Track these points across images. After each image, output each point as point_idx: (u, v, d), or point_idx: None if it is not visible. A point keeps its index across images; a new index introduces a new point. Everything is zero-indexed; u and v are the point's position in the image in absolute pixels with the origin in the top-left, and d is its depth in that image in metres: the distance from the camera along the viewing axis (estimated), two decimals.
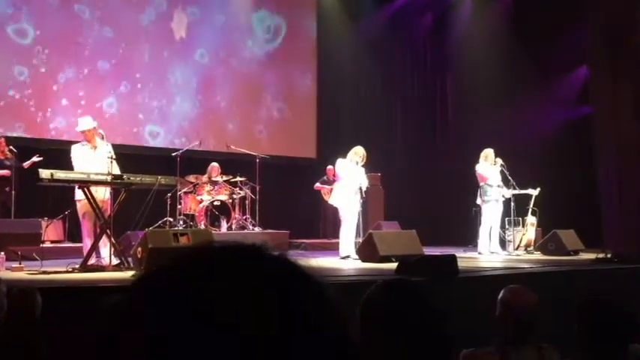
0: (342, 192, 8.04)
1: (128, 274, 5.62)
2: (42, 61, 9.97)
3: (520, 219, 9.62)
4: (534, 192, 9.42)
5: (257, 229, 9.90)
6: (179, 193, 9.38)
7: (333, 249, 8.53)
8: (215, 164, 10.12)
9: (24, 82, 9.83)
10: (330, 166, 10.33)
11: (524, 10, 11.61)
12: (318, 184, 10.86)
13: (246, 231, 9.85)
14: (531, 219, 9.61)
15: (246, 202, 10.15)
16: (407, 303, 1.58)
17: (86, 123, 6.77)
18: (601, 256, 7.48)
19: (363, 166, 8.07)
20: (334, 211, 8.56)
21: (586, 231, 9.32)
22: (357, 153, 8.07)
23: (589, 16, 11.04)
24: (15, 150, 8.75)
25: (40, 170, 5.91)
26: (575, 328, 2.44)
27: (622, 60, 10.47)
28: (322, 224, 11.01)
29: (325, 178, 10.89)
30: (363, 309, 1.59)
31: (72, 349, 2.87)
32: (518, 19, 11.60)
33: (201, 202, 9.67)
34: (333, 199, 8.21)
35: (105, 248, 6.35)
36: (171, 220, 9.17)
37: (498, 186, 9.13)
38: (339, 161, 8.15)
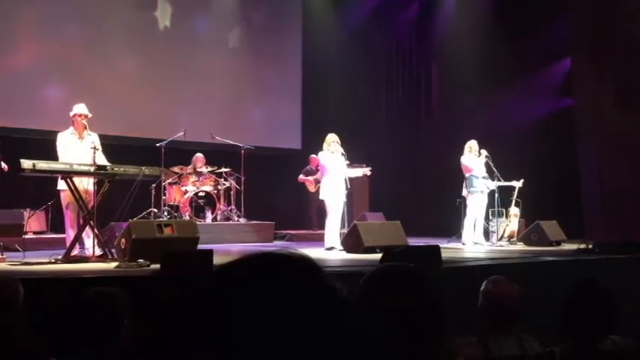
0: (329, 184, 8.03)
1: (112, 265, 5.59)
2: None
3: (503, 210, 9.70)
4: (518, 184, 9.50)
5: (242, 220, 9.89)
6: (164, 183, 9.34)
7: (319, 240, 8.55)
8: (200, 155, 10.08)
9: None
10: (313, 155, 10.31)
11: (509, 1, 11.66)
12: (302, 176, 10.84)
13: (231, 222, 9.84)
14: (514, 210, 9.69)
15: (231, 192, 10.13)
16: (407, 286, 1.60)
17: (81, 108, 6.72)
18: (583, 246, 7.57)
19: (342, 154, 8.06)
20: (319, 202, 8.56)
21: (568, 222, 9.43)
22: (335, 142, 8.03)
23: (572, 7, 11.11)
24: None
25: (22, 160, 5.83)
26: (561, 315, 2.47)
27: (604, 52, 10.55)
28: (308, 215, 11.02)
29: (308, 168, 10.88)
30: (364, 290, 1.61)
31: (54, 340, 2.86)
32: (503, 10, 11.64)
33: (185, 192, 9.63)
34: (323, 193, 8.15)
35: (88, 239, 6.31)
36: (156, 210, 9.13)
37: (483, 177, 9.20)
38: (322, 154, 8.11)
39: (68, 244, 6.27)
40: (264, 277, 0.68)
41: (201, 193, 9.69)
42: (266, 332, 0.63)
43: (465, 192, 9.27)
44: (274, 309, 0.64)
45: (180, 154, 10.02)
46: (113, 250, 6.16)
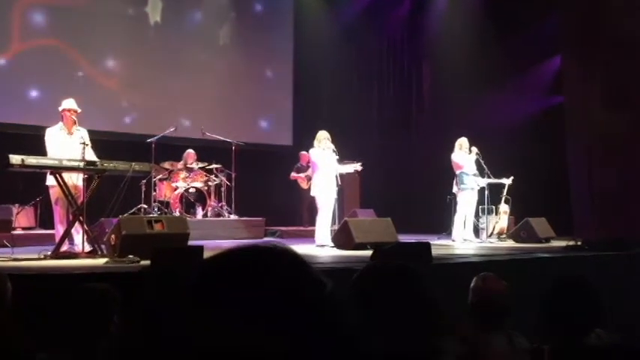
0: (320, 181, 8.03)
1: (101, 262, 5.56)
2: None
3: (493, 207, 9.75)
4: (508, 181, 9.55)
5: (233, 217, 9.87)
6: (154, 179, 9.31)
7: (310, 237, 8.55)
8: (191, 151, 10.04)
9: None
10: (303, 152, 10.29)
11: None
12: (293, 174, 10.84)
13: (221, 218, 9.82)
14: (504, 207, 9.74)
15: (222, 189, 10.11)
16: (399, 284, 1.61)
17: (70, 103, 6.68)
18: (571, 243, 7.62)
19: (334, 151, 8.06)
20: (311, 199, 8.56)
21: (557, 219, 9.49)
22: (326, 138, 8.03)
23: (562, 5, 11.15)
24: None
25: (10, 156, 5.78)
26: (543, 312, 2.49)
27: (594, 50, 10.60)
28: (299, 212, 11.02)
29: (299, 165, 10.88)
30: (355, 287, 1.61)
31: (44, 336, 2.84)
32: (494, 8, 11.68)
33: (176, 189, 9.60)
34: (314, 190, 8.15)
35: (78, 235, 6.28)
36: (146, 207, 9.09)
37: (474, 174, 9.24)
38: (313, 151, 8.10)
39: (57, 240, 6.23)
40: (249, 269, 0.68)
41: (191, 190, 9.66)
42: (252, 325, 0.63)
43: (455, 189, 9.31)
44: (259, 302, 0.64)
45: (170, 150, 9.98)
46: (103, 246, 6.13)
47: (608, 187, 10.28)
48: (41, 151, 6.43)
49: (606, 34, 10.40)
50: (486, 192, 9.45)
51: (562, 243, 8.10)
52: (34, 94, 9.89)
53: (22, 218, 8.52)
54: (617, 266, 6.47)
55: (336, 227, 7.94)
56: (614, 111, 10.30)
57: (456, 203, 9.30)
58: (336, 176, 8.03)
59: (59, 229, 6.41)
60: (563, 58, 11.43)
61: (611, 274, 5.84)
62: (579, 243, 7.49)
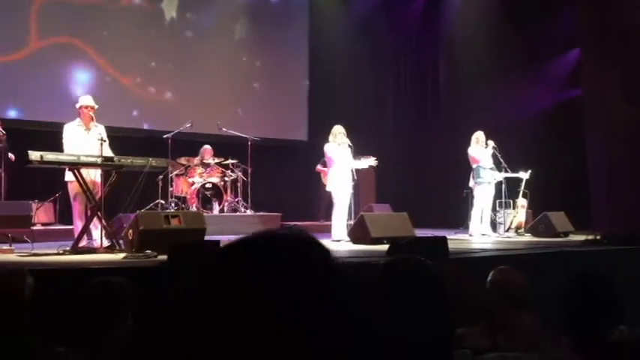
0: (336, 176, 8.03)
1: (119, 256, 5.60)
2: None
3: (511, 201, 9.68)
4: (525, 175, 9.47)
5: (249, 212, 9.90)
6: (171, 175, 9.36)
7: (326, 231, 8.55)
8: (207, 147, 10.09)
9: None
10: None
11: None
12: (319, 167, 10.79)
13: (238, 213, 9.86)
14: (522, 201, 9.66)
15: (238, 184, 10.14)
16: (419, 279, 1.61)
17: (87, 99, 6.74)
18: (590, 237, 7.53)
19: (350, 146, 8.04)
20: (327, 194, 8.55)
21: (576, 213, 9.39)
22: (342, 133, 8.02)
23: None
24: (4, 132, 8.68)
25: (29, 152, 5.85)
26: (564, 308, 2.47)
27: (612, 42, 10.46)
28: (316, 207, 11.00)
29: (326, 158, 10.85)
30: (376, 281, 1.61)
31: (62, 329, 2.87)
32: (509, 1, 11.56)
33: (192, 184, 9.65)
34: (330, 185, 8.16)
35: (96, 230, 6.33)
36: (163, 202, 9.16)
37: (490, 168, 9.18)
38: (328, 146, 8.10)
39: (76, 236, 6.29)
40: (266, 255, 0.68)
41: (208, 185, 9.70)
42: (266, 313, 0.62)
43: (472, 183, 9.25)
44: (275, 289, 0.64)
45: (186, 145, 10.03)
46: (121, 242, 6.18)
47: (628, 180, 10.16)
48: (59, 148, 6.50)
49: (624, 27, 10.26)
50: (503, 186, 9.38)
51: (581, 237, 8.01)
52: (50, 91, 9.97)
53: (42, 214, 8.62)
54: (637, 260, 6.38)
55: (352, 222, 7.93)
56: (633, 104, 10.17)
57: (472, 197, 9.25)
58: (352, 171, 8.02)
59: (78, 225, 6.48)
60: (582, 51, 11.29)
61: (630, 268, 5.77)
62: (598, 237, 7.40)
